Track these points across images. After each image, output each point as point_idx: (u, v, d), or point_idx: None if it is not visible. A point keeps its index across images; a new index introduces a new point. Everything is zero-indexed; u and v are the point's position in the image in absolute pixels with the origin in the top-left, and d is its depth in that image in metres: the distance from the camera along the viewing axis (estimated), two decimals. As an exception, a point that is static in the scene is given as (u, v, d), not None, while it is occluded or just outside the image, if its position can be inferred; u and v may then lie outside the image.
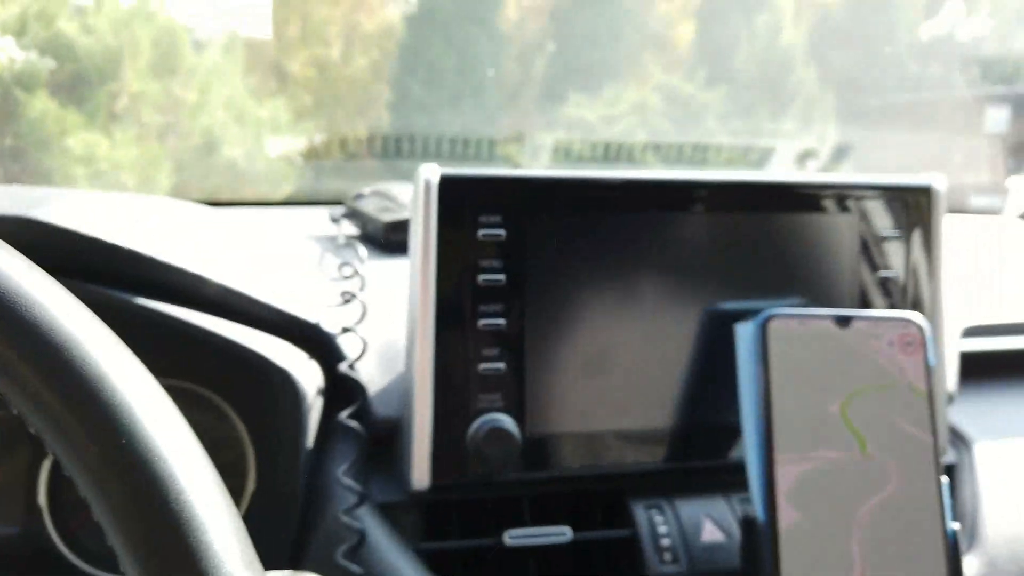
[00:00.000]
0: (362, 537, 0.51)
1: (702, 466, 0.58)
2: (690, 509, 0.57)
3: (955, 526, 0.50)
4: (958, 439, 0.66)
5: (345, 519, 0.51)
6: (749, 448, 0.52)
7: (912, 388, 0.53)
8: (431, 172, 0.54)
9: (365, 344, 0.57)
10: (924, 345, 0.53)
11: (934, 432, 0.52)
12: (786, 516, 0.50)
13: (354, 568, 0.50)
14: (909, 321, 0.54)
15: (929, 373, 0.53)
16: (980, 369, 0.71)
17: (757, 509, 0.51)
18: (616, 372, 0.57)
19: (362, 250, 0.66)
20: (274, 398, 0.54)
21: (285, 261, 0.69)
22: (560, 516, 0.57)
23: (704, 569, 0.55)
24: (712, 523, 0.57)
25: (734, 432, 0.56)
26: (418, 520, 0.56)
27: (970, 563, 0.58)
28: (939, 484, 0.51)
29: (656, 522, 0.56)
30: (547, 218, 0.56)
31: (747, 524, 0.51)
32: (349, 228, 0.81)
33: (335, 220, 0.79)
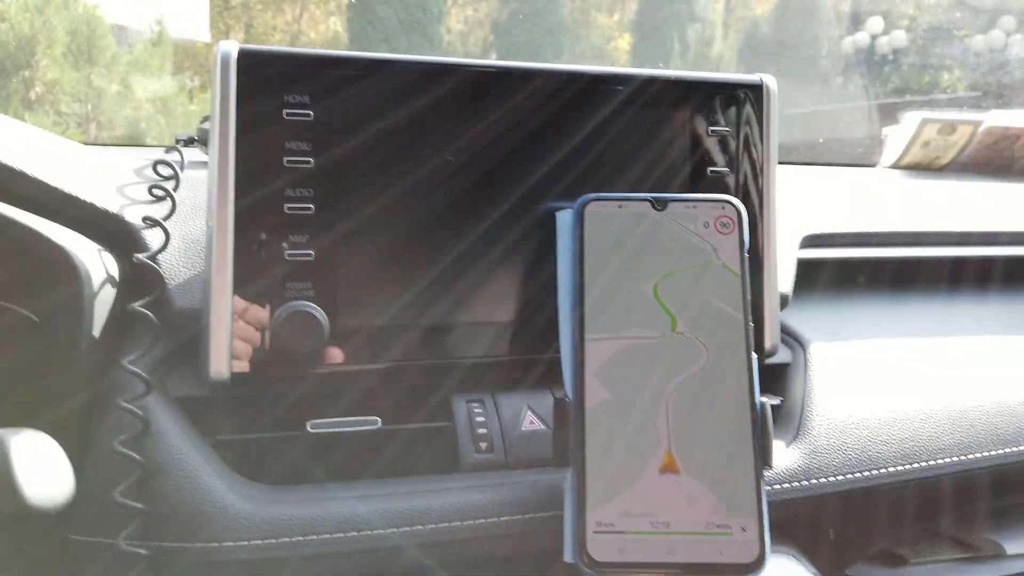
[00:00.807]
0: (145, 426, 0.48)
1: (524, 359, 0.56)
2: (512, 401, 0.56)
3: (766, 400, 0.50)
4: (793, 340, 0.66)
5: (126, 406, 0.47)
6: (562, 330, 0.51)
7: (726, 268, 0.52)
8: (230, 46, 0.51)
9: (168, 236, 0.54)
10: (739, 226, 0.53)
11: (745, 310, 0.51)
12: (594, 394, 0.49)
13: (133, 455, 0.46)
14: (726, 202, 0.53)
15: (743, 253, 0.52)
16: (817, 276, 0.72)
17: (567, 388, 0.49)
18: (434, 264, 0.55)
19: (189, 153, 0.63)
20: (55, 283, 0.50)
21: (114, 171, 0.65)
22: (379, 411, 0.55)
23: (520, 456, 0.53)
24: (532, 413, 0.55)
25: (554, 325, 0.55)
26: (227, 416, 0.53)
27: (795, 452, 0.58)
28: (749, 360, 0.50)
29: (475, 414, 0.54)
30: (360, 101, 0.54)
31: (557, 405, 0.49)
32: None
33: (180, 141, 0.75)
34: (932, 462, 0.60)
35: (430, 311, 0.55)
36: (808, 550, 0.59)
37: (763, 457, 0.48)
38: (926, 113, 1.15)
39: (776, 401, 0.62)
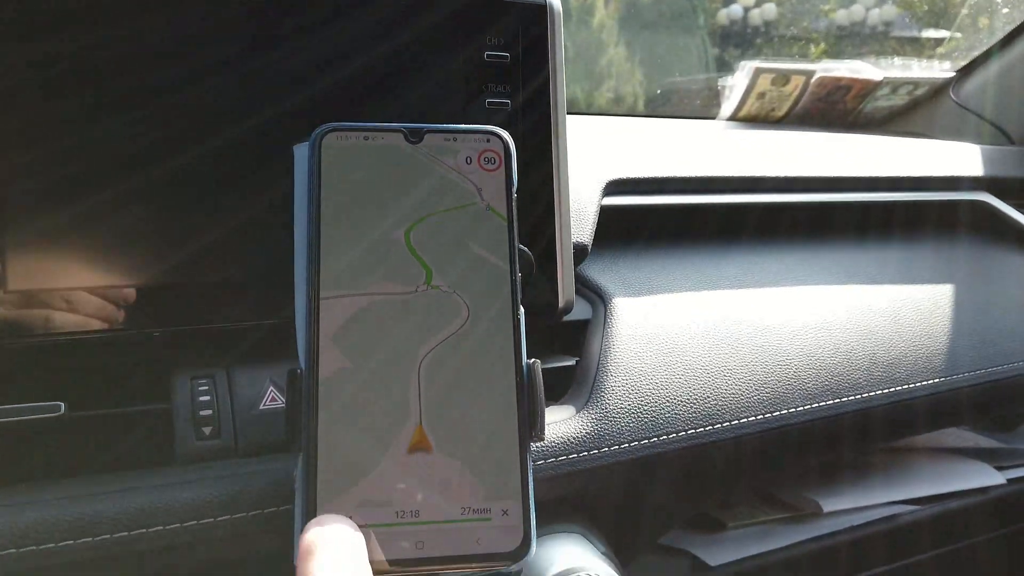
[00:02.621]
0: None
1: (269, 325, 0.48)
2: (253, 376, 0.47)
3: (535, 361, 0.43)
4: (594, 295, 0.60)
5: None
6: (297, 288, 0.42)
7: (491, 210, 0.45)
8: None
9: None
10: (507, 162, 0.45)
11: (512, 259, 0.44)
12: (329, 362, 0.41)
13: None
14: (491, 134, 0.46)
15: (511, 193, 0.45)
16: (622, 226, 0.66)
17: (300, 357, 0.41)
18: (144, 211, 0.45)
19: None
20: None
21: None
22: (73, 393, 0.45)
23: (255, 439, 0.45)
24: (276, 389, 0.47)
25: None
26: None
27: (586, 418, 0.52)
28: (516, 316, 0.43)
29: (198, 392, 0.45)
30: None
31: (289, 377, 0.41)
32: None
33: None
34: (735, 421, 0.56)
35: (144, 269, 0.45)
36: (604, 525, 0.53)
37: (531, 427, 0.42)
38: (759, 62, 1.12)
39: (570, 362, 0.56)
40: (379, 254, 0.43)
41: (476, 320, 0.43)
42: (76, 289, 0.43)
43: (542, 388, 0.43)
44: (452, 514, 0.40)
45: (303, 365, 0.41)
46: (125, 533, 0.39)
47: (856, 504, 0.71)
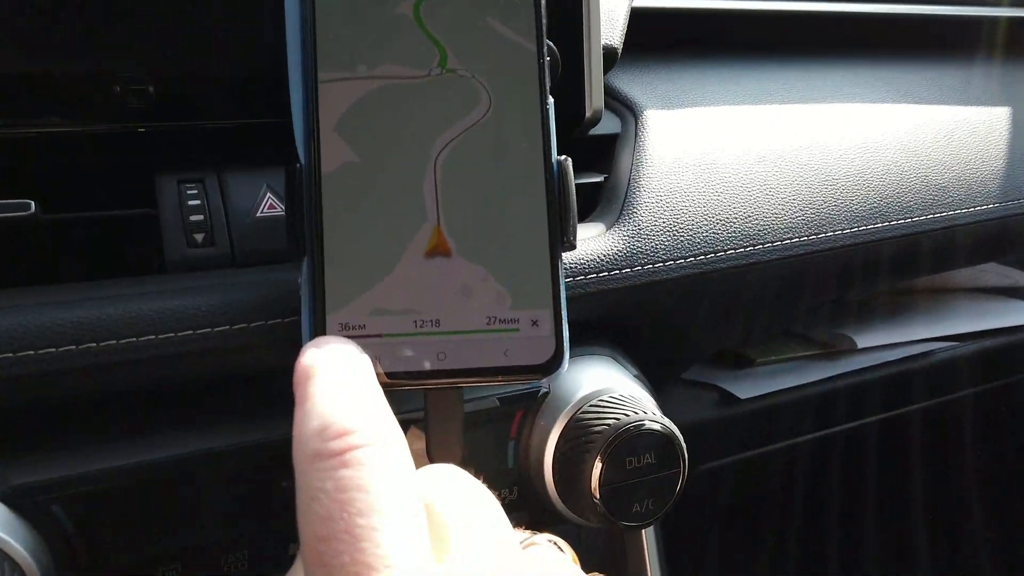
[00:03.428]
0: None
1: (263, 124, 0.42)
2: (246, 180, 0.42)
3: (566, 158, 0.38)
4: (623, 107, 0.54)
5: None
6: (291, 73, 0.37)
7: (514, -21, 0.39)
8: None
9: None
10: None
11: (540, 38, 0.38)
12: (333, 155, 0.35)
13: None
14: None
15: (537, -43, 0.38)
16: (655, 34, 0.59)
17: (299, 150, 0.36)
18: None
19: None
20: None
21: None
22: (45, 194, 0.40)
23: (250, 248, 0.40)
24: (273, 195, 0.42)
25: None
26: None
27: (617, 235, 0.47)
28: (544, 104, 0.38)
29: (188, 196, 0.40)
30: None
31: (288, 174, 0.36)
32: None
33: None
34: (778, 243, 0.51)
35: (109, 56, 0.39)
36: (631, 351, 0.49)
37: (562, 232, 0.37)
38: None
39: (598, 178, 0.51)
40: (384, 32, 0.37)
41: (499, 109, 0.37)
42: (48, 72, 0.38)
43: (574, 189, 0.38)
44: (476, 324, 0.36)
45: (302, 158, 0.35)
46: (113, 342, 0.35)
47: (892, 341, 0.68)
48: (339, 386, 0.27)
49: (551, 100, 0.38)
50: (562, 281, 0.37)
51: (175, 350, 0.35)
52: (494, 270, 0.36)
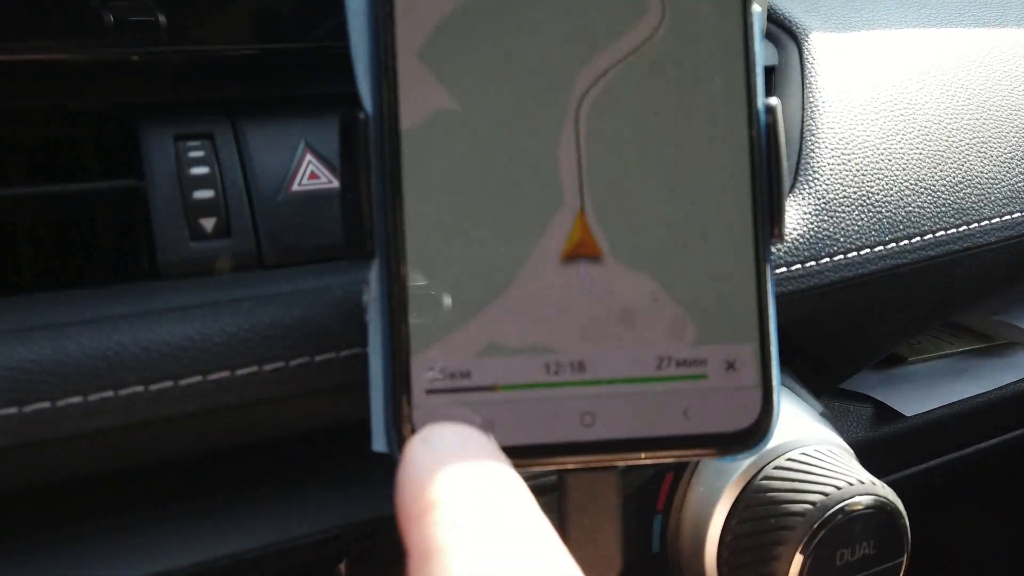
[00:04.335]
0: None
1: (297, 51, 0.28)
2: (273, 136, 0.28)
3: (775, 102, 0.24)
4: (781, 29, 0.40)
5: None
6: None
7: None
8: None
9: None
10: None
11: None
12: (418, 99, 0.22)
13: None
14: None
15: None
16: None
17: (363, 95, 0.22)
18: None
19: None
20: None
21: None
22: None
23: (288, 242, 0.27)
24: (316, 158, 0.28)
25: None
26: None
27: (799, 208, 0.33)
28: (746, 20, 0.24)
29: (189, 161, 0.27)
30: None
31: (345, 128, 0.22)
32: None
33: None
34: (996, 219, 0.37)
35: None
36: (796, 366, 0.37)
37: (771, 219, 0.24)
38: None
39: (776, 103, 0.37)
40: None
41: (676, 21, 0.24)
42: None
43: (785, 150, 0.24)
44: (641, 368, 0.23)
45: (369, 104, 0.22)
46: (78, 399, 0.22)
47: (1075, 332, 0.54)
48: (494, 541, 0.15)
49: (757, 8, 0.24)
50: (772, 297, 0.24)
51: (176, 408, 0.23)
52: (669, 282, 0.23)
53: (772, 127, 0.24)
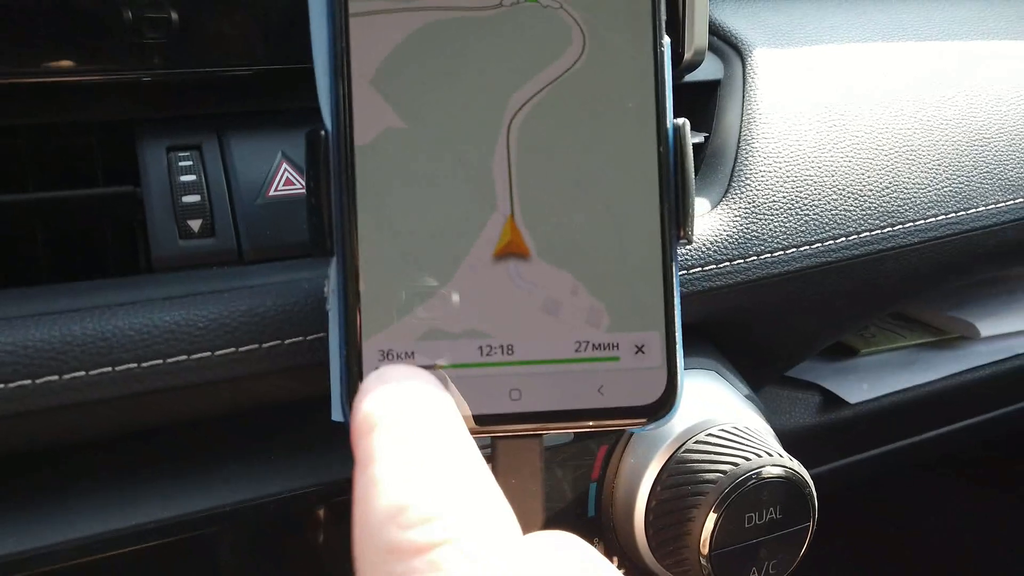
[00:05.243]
0: None
1: (277, 71, 0.32)
2: (254, 147, 0.32)
3: (683, 122, 0.28)
4: (726, 44, 0.44)
5: None
6: (312, 3, 0.27)
7: None
8: None
9: None
10: None
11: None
12: (370, 118, 0.26)
13: None
14: None
15: None
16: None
17: (323, 111, 0.26)
18: None
19: None
20: None
21: None
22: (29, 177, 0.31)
23: (265, 241, 0.31)
24: (290, 166, 0.32)
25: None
26: None
27: (726, 215, 0.37)
28: (656, 48, 0.28)
29: (180, 170, 0.31)
30: None
31: (309, 142, 0.26)
32: None
33: None
34: (921, 221, 0.41)
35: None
36: (732, 356, 0.40)
37: (677, 223, 0.27)
38: None
39: (697, 138, 0.40)
40: (440, -54, 0.27)
41: (596, 53, 0.27)
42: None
43: (692, 163, 0.28)
44: (562, 351, 0.27)
45: (329, 123, 0.26)
46: (81, 374, 0.26)
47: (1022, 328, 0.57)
48: (418, 445, 0.19)
49: (667, 41, 0.28)
50: (677, 291, 0.27)
51: (164, 383, 0.27)
52: (586, 277, 0.27)
53: (679, 143, 0.27)
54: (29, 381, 0.26)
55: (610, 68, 0.27)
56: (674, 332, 0.27)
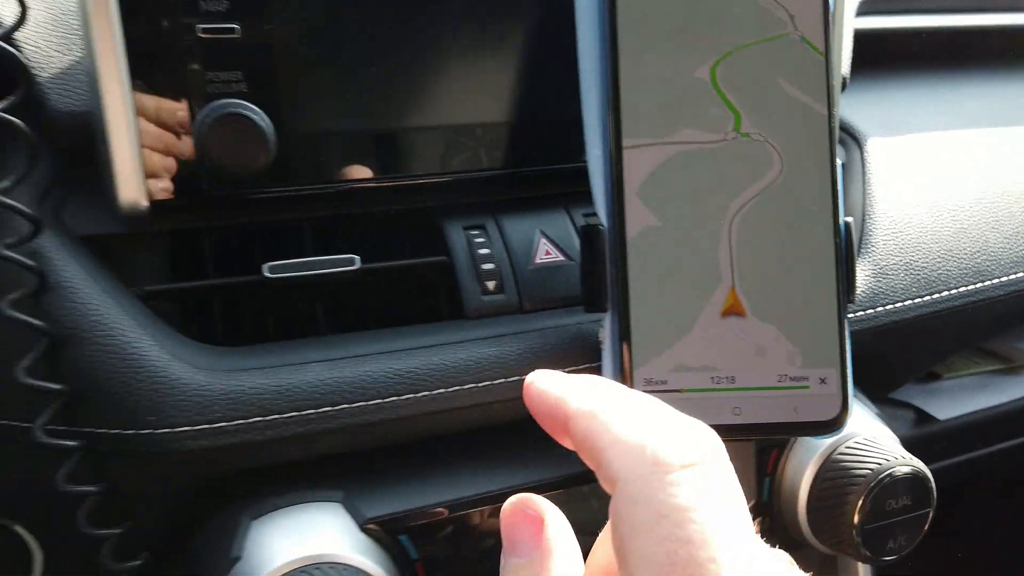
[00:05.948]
0: (41, 278, 0.35)
1: (534, 172, 0.44)
2: (520, 227, 0.44)
3: (850, 220, 0.39)
4: (847, 135, 0.55)
5: (9, 254, 0.34)
6: (589, 137, 0.38)
7: (805, 42, 0.39)
8: None
9: (24, 6, 0.37)
10: (817, -15, 0.39)
11: (830, 100, 0.39)
12: (636, 219, 0.37)
13: (30, 321, 0.34)
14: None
15: (828, 21, 0.39)
16: (873, 55, 0.59)
17: (600, 214, 0.38)
18: (409, 47, 0.40)
19: None
20: None
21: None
22: (357, 247, 0.43)
23: (537, 296, 0.43)
24: (548, 241, 0.44)
25: (574, 127, 0.41)
26: (155, 259, 0.41)
27: (863, 268, 0.48)
28: (833, 167, 0.39)
29: (476, 244, 0.43)
30: None
31: (587, 234, 0.38)
32: None
33: None
34: (1003, 277, 0.52)
35: (407, 111, 0.41)
36: (859, 384, 0.51)
37: (847, 291, 0.39)
38: None
39: (851, 220, 0.52)
40: (684, 97, 0.39)
41: (790, 172, 0.39)
42: (350, 132, 0.40)
43: (855, 249, 0.39)
44: (769, 381, 0.38)
45: (605, 221, 0.38)
46: (442, 391, 0.38)
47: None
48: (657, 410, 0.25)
49: (840, 162, 0.39)
50: (847, 338, 0.38)
51: (491, 397, 0.39)
52: (785, 330, 0.38)
53: (848, 235, 0.39)
54: (411, 396, 0.38)
55: (800, 181, 0.39)
56: (846, 368, 0.38)
